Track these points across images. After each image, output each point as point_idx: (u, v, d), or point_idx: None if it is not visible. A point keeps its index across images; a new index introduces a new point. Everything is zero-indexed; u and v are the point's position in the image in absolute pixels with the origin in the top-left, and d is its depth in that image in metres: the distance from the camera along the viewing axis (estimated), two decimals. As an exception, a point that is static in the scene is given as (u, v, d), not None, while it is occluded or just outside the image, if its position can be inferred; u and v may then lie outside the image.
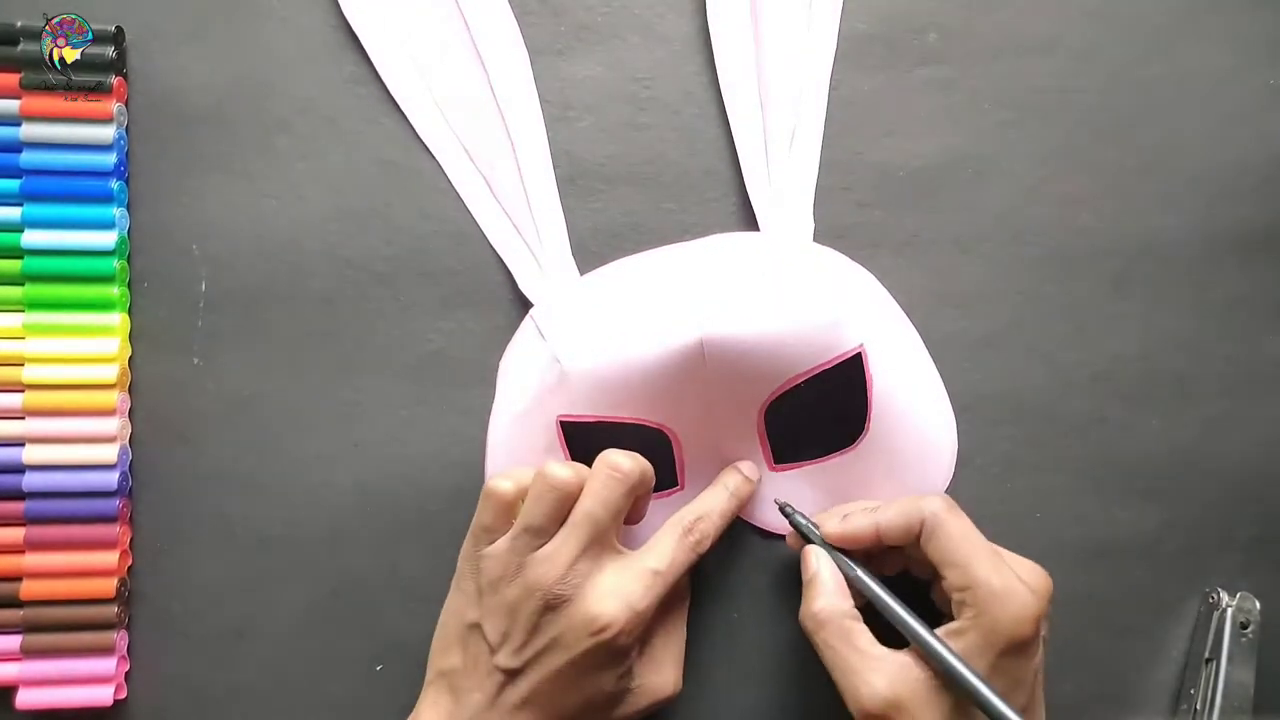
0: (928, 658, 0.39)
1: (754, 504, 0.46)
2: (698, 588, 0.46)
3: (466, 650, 0.41)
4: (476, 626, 0.41)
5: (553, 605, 0.40)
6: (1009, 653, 0.38)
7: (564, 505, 0.41)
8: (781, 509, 0.45)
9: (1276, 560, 0.47)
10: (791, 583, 0.47)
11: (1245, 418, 0.48)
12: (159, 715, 0.47)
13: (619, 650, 0.40)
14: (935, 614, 0.41)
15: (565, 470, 0.41)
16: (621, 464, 0.41)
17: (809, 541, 0.43)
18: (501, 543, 0.41)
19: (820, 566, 0.42)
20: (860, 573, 0.42)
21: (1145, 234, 0.48)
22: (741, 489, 0.45)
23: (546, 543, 0.41)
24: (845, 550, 0.43)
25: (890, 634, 0.40)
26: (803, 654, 0.47)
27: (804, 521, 0.44)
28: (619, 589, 0.40)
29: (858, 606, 0.41)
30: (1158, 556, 0.47)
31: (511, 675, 0.40)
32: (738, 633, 0.47)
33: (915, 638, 0.39)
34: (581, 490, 0.41)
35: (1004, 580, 0.39)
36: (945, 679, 0.38)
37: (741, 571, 0.47)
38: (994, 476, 0.47)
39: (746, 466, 0.45)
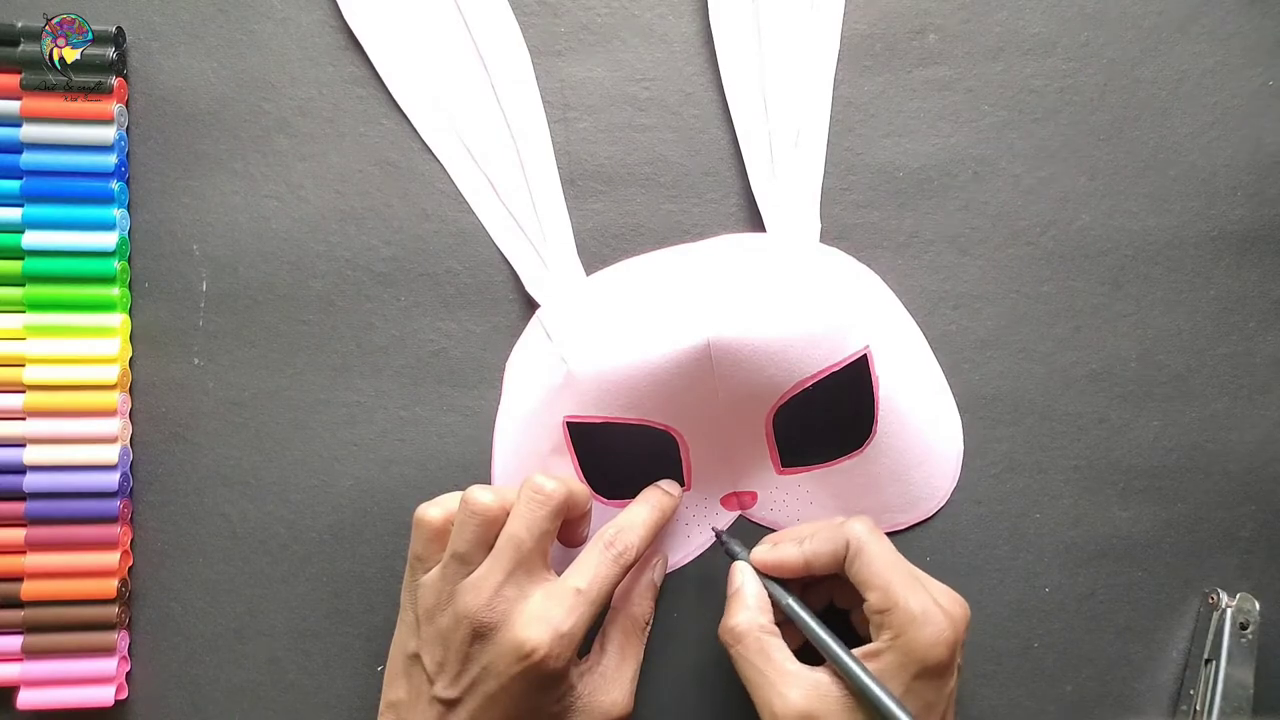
0: (843, 676, 0.39)
1: (759, 506, 0.46)
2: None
3: (410, 682, 0.41)
4: (416, 657, 0.41)
5: (480, 633, 0.39)
6: (923, 676, 0.39)
7: (488, 531, 0.41)
8: (716, 534, 0.46)
9: (1276, 560, 0.47)
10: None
11: (1244, 417, 0.48)
12: (159, 715, 0.47)
13: (550, 674, 0.39)
14: (857, 641, 0.41)
15: (487, 495, 0.41)
16: (544, 486, 0.41)
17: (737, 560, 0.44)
18: (434, 571, 0.41)
19: (744, 582, 0.43)
20: (781, 591, 0.43)
21: (1143, 233, 0.48)
22: (662, 501, 0.45)
23: (475, 569, 0.40)
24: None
25: (812, 656, 0.41)
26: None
27: (735, 546, 0.45)
28: (544, 613, 0.39)
29: (780, 628, 0.42)
30: (1157, 556, 0.47)
31: (450, 705, 0.40)
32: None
33: (831, 654, 0.40)
34: (506, 515, 0.41)
35: (922, 605, 0.39)
36: (860, 698, 0.39)
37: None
38: (994, 476, 0.47)
39: (666, 483, 0.45)
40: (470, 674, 0.40)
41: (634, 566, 0.43)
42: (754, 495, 0.47)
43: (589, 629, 0.41)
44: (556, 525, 0.41)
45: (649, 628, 0.45)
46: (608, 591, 0.41)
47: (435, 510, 0.42)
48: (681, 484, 0.46)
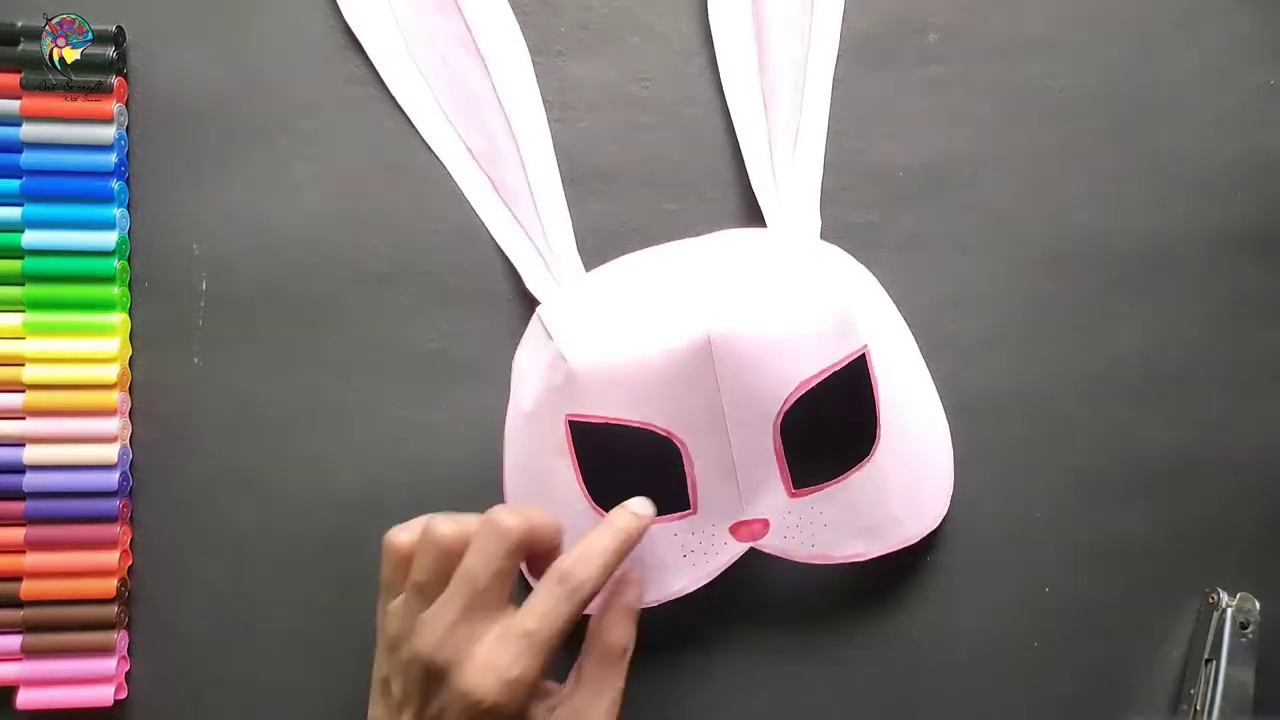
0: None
1: (772, 534, 0.44)
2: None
3: (385, 703, 0.40)
4: (387, 682, 0.40)
5: (433, 673, 0.38)
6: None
7: (447, 563, 0.39)
8: None
9: (1276, 560, 0.47)
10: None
11: (1244, 417, 0.48)
12: (159, 715, 0.47)
13: (507, 715, 0.38)
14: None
15: (447, 525, 0.39)
16: (503, 522, 0.38)
17: None
18: (400, 600, 0.40)
19: None
20: None
21: (1143, 233, 0.48)
22: (628, 524, 0.41)
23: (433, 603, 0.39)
24: None
25: None
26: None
27: None
28: (491, 660, 0.37)
29: None
30: (1158, 556, 0.47)
31: None
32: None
33: None
34: (466, 546, 0.39)
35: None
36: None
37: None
38: (994, 476, 0.47)
39: (637, 502, 0.42)
40: (431, 710, 0.38)
41: (606, 592, 0.41)
42: (765, 523, 0.44)
43: (547, 666, 0.38)
44: (515, 563, 0.39)
45: (628, 653, 0.42)
46: (561, 629, 0.39)
47: (404, 535, 0.40)
48: (686, 505, 0.44)
